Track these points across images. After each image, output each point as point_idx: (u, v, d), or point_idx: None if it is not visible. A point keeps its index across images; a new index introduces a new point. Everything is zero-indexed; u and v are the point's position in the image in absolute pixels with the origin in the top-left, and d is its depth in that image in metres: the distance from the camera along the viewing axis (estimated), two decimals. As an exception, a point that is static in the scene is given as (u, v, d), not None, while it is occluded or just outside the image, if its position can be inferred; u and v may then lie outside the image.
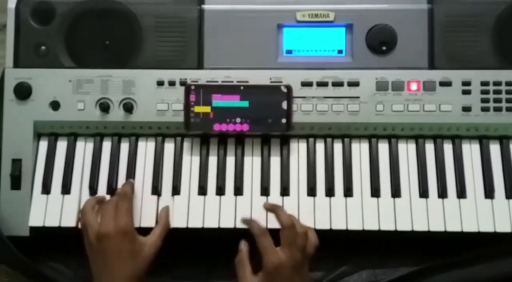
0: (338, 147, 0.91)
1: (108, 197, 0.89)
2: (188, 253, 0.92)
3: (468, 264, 0.86)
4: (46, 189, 0.90)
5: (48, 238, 0.90)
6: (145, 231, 0.85)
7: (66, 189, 0.90)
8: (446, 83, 0.89)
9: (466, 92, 0.89)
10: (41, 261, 0.91)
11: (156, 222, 0.88)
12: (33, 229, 0.89)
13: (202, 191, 0.89)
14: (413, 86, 0.89)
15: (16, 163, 0.90)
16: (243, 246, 0.85)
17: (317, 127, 0.90)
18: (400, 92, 0.89)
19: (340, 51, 0.92)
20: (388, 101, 0.89)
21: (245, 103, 0.88)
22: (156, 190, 0.90)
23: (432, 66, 0.90)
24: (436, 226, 0.86)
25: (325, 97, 0.90)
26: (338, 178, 0.89)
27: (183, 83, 0.90)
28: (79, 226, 0.86)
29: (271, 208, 0.87)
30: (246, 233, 0.85)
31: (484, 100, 0.89)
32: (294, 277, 0.79)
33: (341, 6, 0.91)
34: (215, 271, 0.91)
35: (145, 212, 0.88)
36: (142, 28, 0.91)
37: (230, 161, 0.91)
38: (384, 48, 0.91)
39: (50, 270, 0.90)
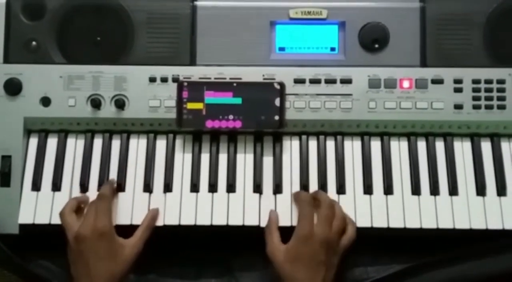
0: (330, 144, 0.91)
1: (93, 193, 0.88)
2: (179, 251, 0.91)
3: (458, 261, 0.86)
4: (36, 186, 0.89)
5: (36, 236, 0.89)
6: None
7: (56, 186, 0.89)
8: (438, 81, 0.90)
9: (457, 90, 0.89)
10: (29, 259, 0.89)
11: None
12: (23, 227, 0.88)
13: (195, 188, 0.89)
14: (405, 84, 0.90)
15: (6, 160, 0.89)
16: (272, 214, 0.86)
17: (310, 125, 0.90)
18: (392, 89, 0.90)
19: (332, 49, 0.92)
20: (380, 98, 0.89)
21: (238, 100, 0.88)
22: (148, 188, 0.89)
23: (424, 64, 0.91)
24: (428, 223, 0.87)
25: (317, 94, 0.90)
26: (330, 175, 0.89)
27: (175, 79, 0.89)
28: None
29: (313, 194, 0.87)
30: (238, 231, 0.85)
31: (475, 98, 0.89)
32: (320, 254, 0.79)
33: (334, 4, 0.92)
34: (206, 269, 0.90)
35: (137, 210, 0.87)
36: (134, 24, 0.91)
37: (223, 158, 0.90)
38: (376, 46, 0.91)
39: (39, 268, 0.89)
